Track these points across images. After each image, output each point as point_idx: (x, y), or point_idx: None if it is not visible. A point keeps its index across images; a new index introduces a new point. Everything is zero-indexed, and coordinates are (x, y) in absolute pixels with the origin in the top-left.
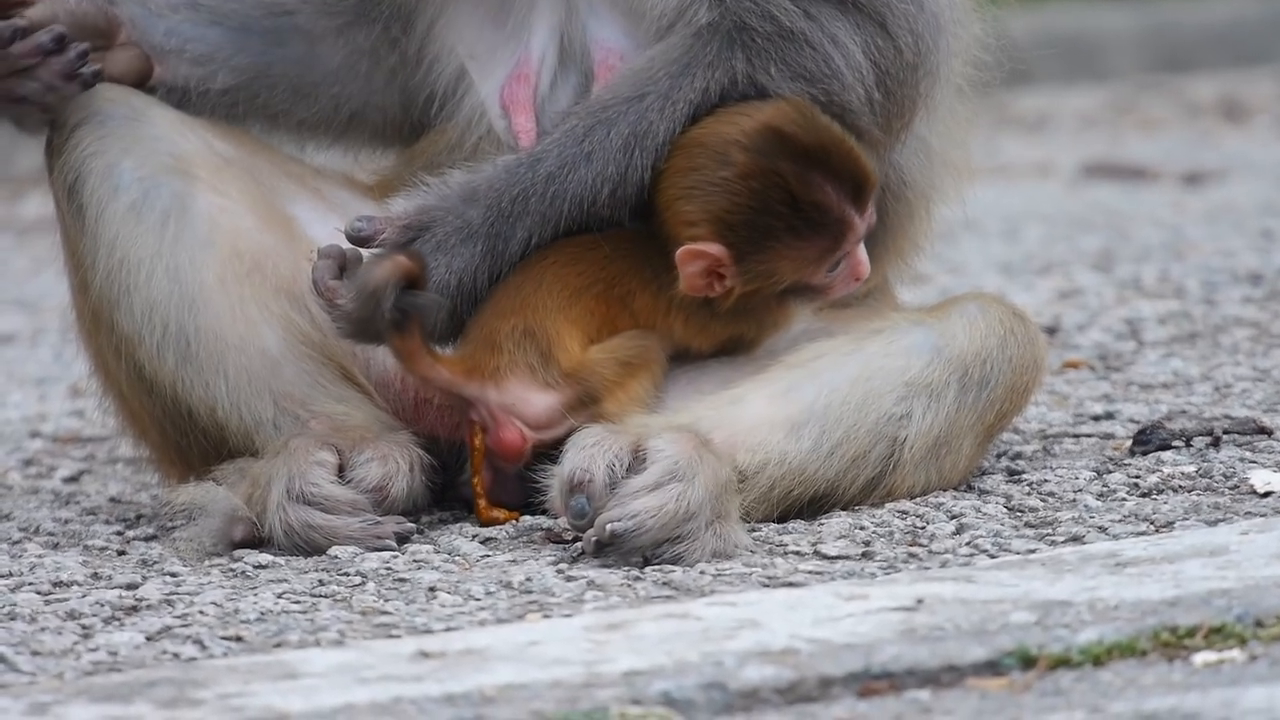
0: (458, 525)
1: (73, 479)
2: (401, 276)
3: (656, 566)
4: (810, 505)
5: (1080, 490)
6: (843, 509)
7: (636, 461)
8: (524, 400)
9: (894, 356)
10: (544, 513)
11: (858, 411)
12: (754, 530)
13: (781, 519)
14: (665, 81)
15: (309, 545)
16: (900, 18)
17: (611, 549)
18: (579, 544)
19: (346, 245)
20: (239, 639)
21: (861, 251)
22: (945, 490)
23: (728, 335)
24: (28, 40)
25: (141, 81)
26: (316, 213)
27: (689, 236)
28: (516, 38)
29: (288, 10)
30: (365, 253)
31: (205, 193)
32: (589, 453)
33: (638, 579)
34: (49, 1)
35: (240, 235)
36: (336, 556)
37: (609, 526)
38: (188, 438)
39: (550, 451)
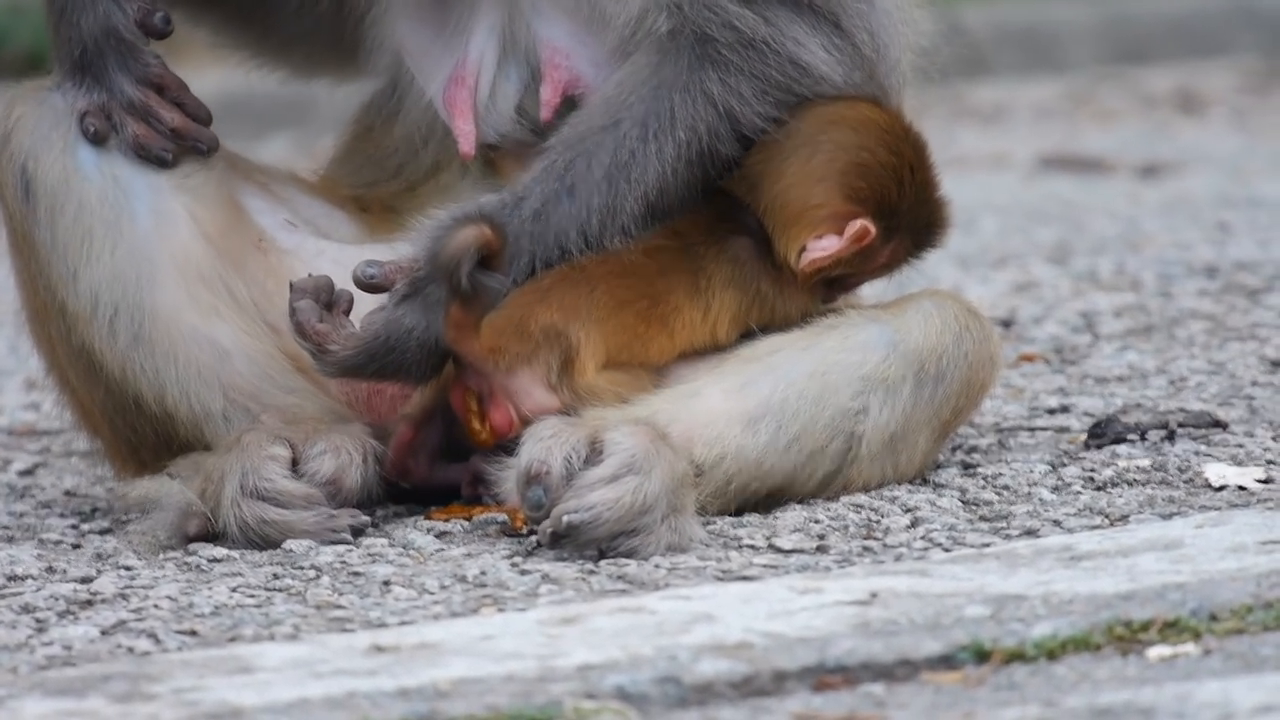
0: (412, 519)
1: (28, 472)
2: (482, 246)
3: (611, 560)
4: (767, 499)
5: (1035, 484)
6: (799, 503)
7: (594, 454)
8: (527, 393)
9: (850, 351)
10: (498, 504)
11: (814, 406)
12: (709, 524)
13: (738, 512)
14: (639, 106)
15: (264, 540)
16: (853, 16)
17: (567, 540)
18: (534, 538)
19: (313, 282)
20: (193, 633)
21: None
22: (900, 484)
23: (753, 327)
24: None
25: None
26: (264, 202)
27: (847, 212)
28: (457, 37)
29: None
30: (344, 291)
31: (160, 175)
32: (546, 444)
33: (592, 573)
34: None
35: (198, 216)
36: (291, 550)
37: (565, 518)
38: (136, 431)
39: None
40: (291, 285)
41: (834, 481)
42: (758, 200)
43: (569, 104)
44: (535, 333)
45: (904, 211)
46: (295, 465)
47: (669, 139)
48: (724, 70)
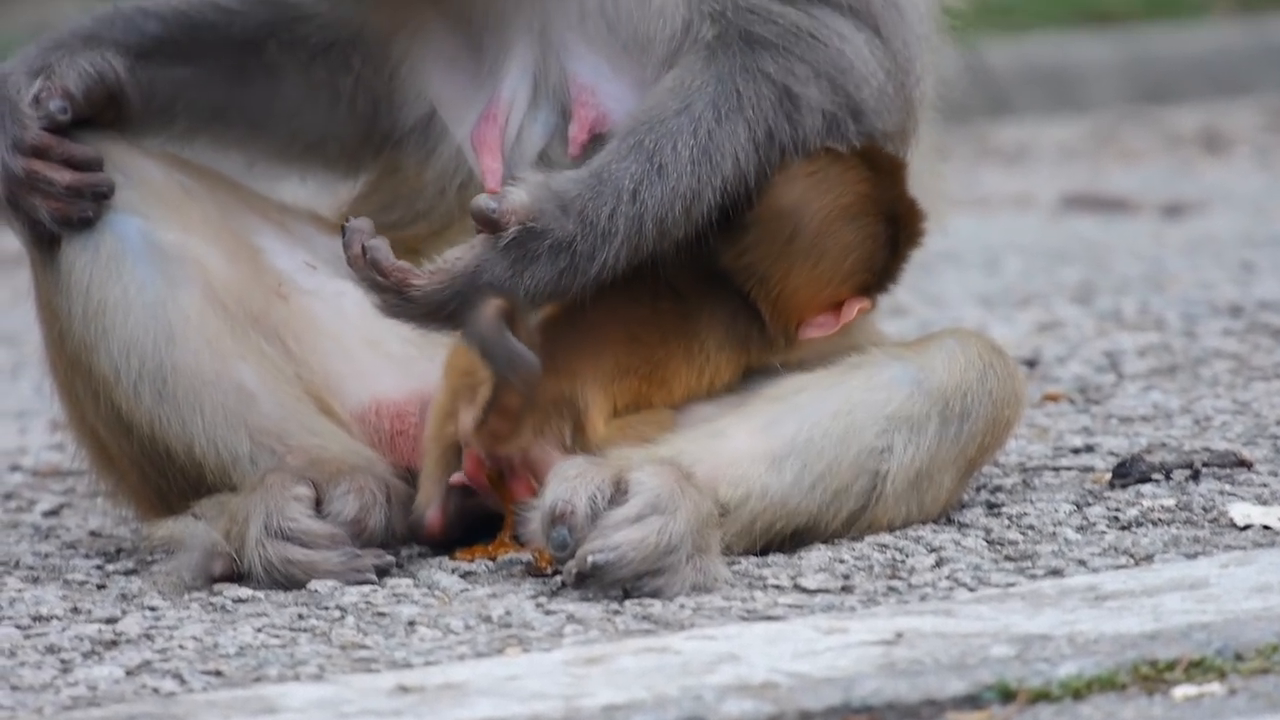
0: (437, 559)
1: (53, 513)
2: (505, 316)
3: (636, 600)
4: (792, 538)
5: (1060, 523)
6: (824, 543)
7: (618, 494)
8: (545, 461)
9: (875, 390)
10: (521, 546)
11: (839, 445)
12: (734, 563)
13: (763, 552)
14: (706, 90)
15: (288, 580)
16: (890, 24)
17: (592, 580)
18: (558, 578)
19: (368, 223)
20: (218, 673)
21: None
22: (925, 523)
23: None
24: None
25: (98, 113)
26: (282, 244)
27: (849, 298)
28: (491, 78)
29: (256, 47)
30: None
31: (173, 229)
32: (571, 484)
33: (617, 613)
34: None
35: (210, 270)
36: (316, 591)
37: (590, 558)
38: (166, 478)
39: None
40: (345, 228)
41: (859, 520)
42: (763, 295)
43: (596, 141)
44: (546, 403)
45: (894, 263)
46: (319, 505)
47: (740, 120)
48: (776, 52)
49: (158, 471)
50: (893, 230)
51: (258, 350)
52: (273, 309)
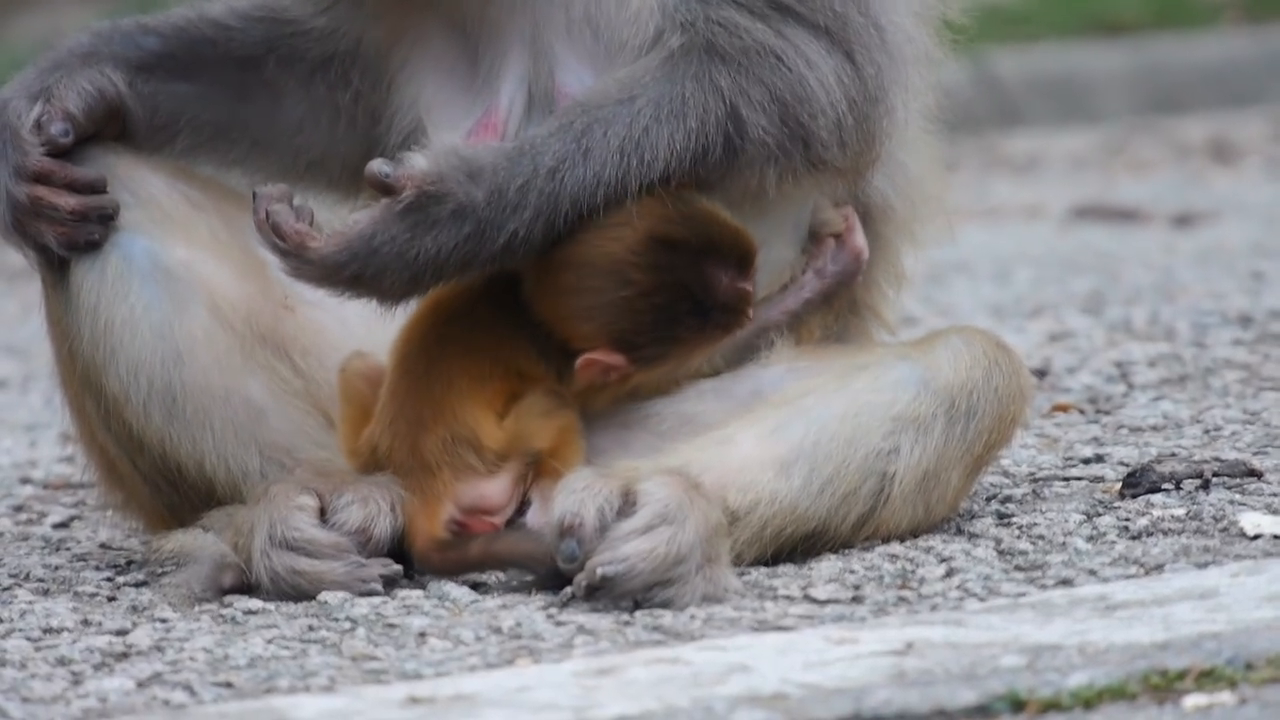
0: None
1: (63, 525)
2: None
3: (646, 611)
4: (803, 542)
5: (1070, 533)
6: (835, 548)
7: (627, 505)
8: (481, 497)
9: (881, 391)
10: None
11: (846, 448)
12: (744, 574)
13: (774, 558)
14: (653, 87)
15: (295, 591)
16: (864, 49)
17: (602, 592)
18: (568, 589)
19: (279, 189)
20: (229, 685)
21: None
22: (934, 523)
23: (615, 397)
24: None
25: (101, 129)
26: None
27: (587, 348)
28: (487, 87)
29: (255, 63)
30: (306, 204)
31: (179, 246)
32: (579, 496)
33: (627, 624)
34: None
35: (217, 287)
36: (326, 602)
37: (599, 570)
38: (178, 493)
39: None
40: (255, 193)
41: (868, 522)
42: (540, 319)
43: None
44: (436, 457)
45: (663, 325)
46: (324, 515)
47: (680, 125)
48: (734, 69)
49: (170, 487)
50: (682, 303)
51: (266, 366)
52: (280, 323)
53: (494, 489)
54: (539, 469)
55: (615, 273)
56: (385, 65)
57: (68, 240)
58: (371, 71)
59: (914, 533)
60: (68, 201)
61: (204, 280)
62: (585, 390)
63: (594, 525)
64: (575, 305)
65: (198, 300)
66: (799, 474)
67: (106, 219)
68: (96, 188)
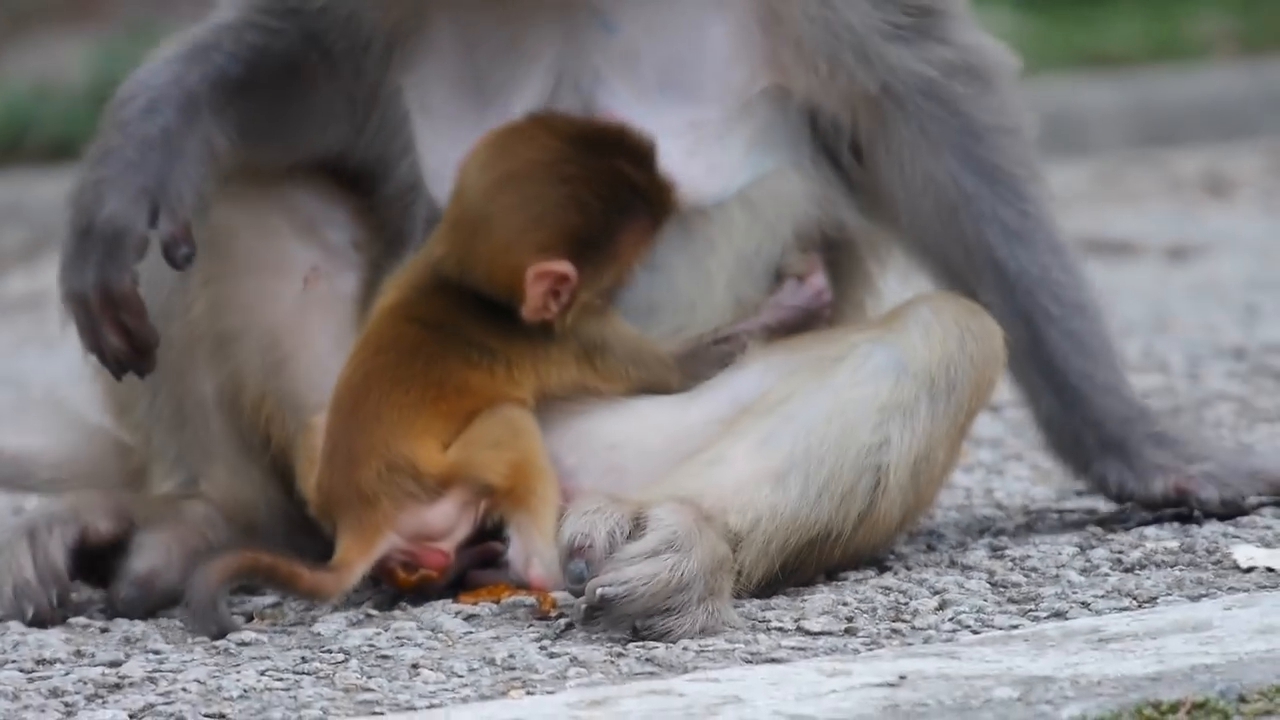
0: (440, 602)
1: None
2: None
3: (639, 643)
4: (808, 549)
5: (1063, 565)
6: (826, 584)
7: (637, 529)
8: (424, 524)
9: (862, 384)
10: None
11: (838, 449)
12: (738, 605)
13: (784, 568)
14: None
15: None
16: None
17: (601, 614)
18: (561, 620)
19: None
20: (222, 716)
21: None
22: (924, 505)
23: (572, 377)
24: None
25: None
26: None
27: (537, 260)
28: (494, 104)
29: (300, 63)
30: None
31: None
32: (590, 518)
33: (620, 655)
34: None
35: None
36: (319, 634)
37: (599, 590)
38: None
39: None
40: None
41: (868, 518)
42: (472, 282)
43: None
44: (373, 488)
45: (608, 217)
46: (124, 540)
47: None
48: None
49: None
50: (620, 188)
51: (228, 368)
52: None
53: (436, 514)
54: (505, 501)
55: (550, 174)
56: (390, 59)
57: (112, 363)
58: (381, 63)
59: (906, 517)
60: (122, 344)
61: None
62: (538, 323)
63: (604, 547)
64: (523, 219)
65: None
66: (795, 484)
67: (141, 371)
68: (149, 347)
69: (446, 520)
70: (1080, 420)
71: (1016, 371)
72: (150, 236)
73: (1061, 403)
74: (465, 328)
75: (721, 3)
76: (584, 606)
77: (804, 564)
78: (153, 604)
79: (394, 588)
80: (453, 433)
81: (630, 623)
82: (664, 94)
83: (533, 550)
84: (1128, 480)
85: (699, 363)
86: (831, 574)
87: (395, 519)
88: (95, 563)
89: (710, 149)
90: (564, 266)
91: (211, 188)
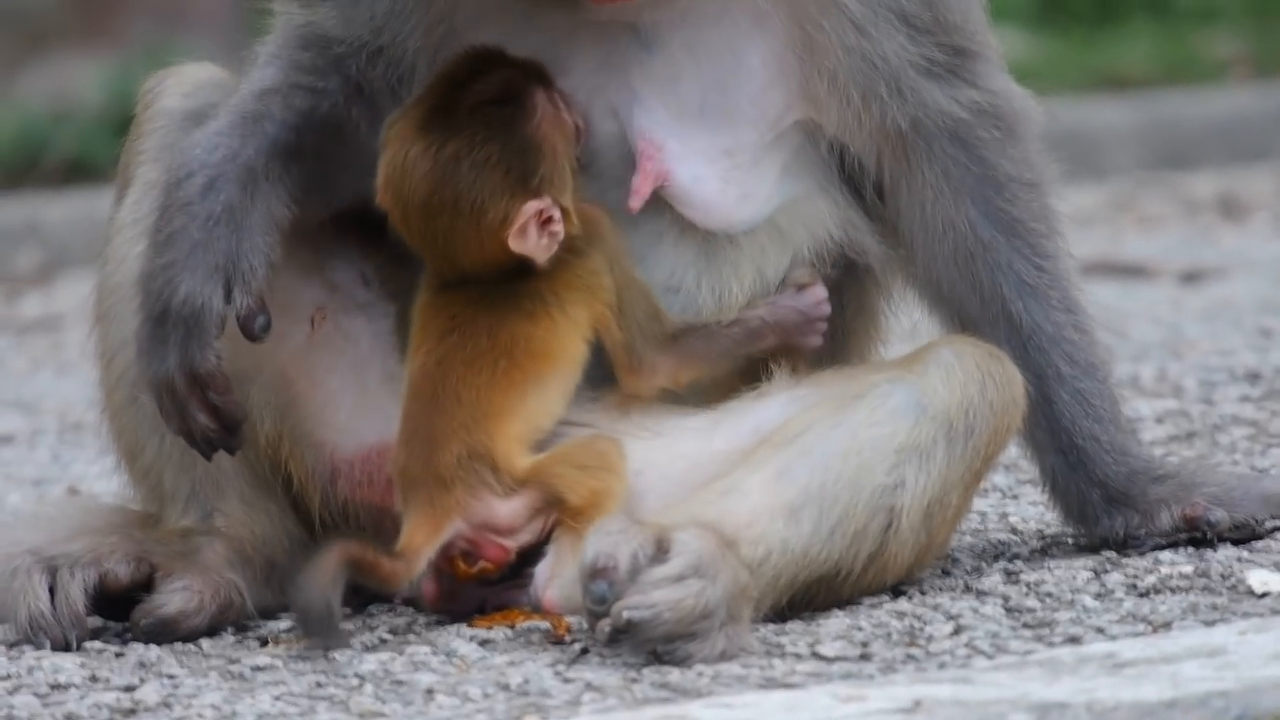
0: (454, 626)
1: None
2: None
3: (654, 668)
4: (816, 585)
5: (1078, 591)
6: (841, 609)
7: (660, 553)
8: (493, 515)
9: (880, 424)
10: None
11: (852, 488)
12: (753, 630)
13: (789, 604)
14: None
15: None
16: None
17: (626, 637)
18: (576, 645)
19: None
20: None
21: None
22: (936, 547)
23: (609, 301)
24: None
25: None
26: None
27: (514, 208)
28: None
29: (342, 116)
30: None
31: None
32: (614, 539)
33: (635, 680)
34: None
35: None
36: (334, 659)
37: (625, 613)
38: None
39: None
40: None
41: (878, 559)
42: (482, 278)
43: (655, 197)
44: (452, 473)
45: (546, 143)
46: (150, 584)
47: None
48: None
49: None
50: (497, 138)
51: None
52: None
53: (507, 509)
54: (569, 521)
55: (476, 137)
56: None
57: (188, 438)
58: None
59: (918, 560)
60: (209, 424)
61: None
62: (574, 300)
63: (627, 569)
64: (482, 191)
65: None
66: (808, 519)
67: (231, 449)
68: (237, 419)
69: (515, 517)
70: (1085, 479)
71: (1022, 427)
72: (227, 313)
73: (1068, 463)
74: (510, 284)
75: (760, 29)
76: (609, 629)
77: (811, 599)
78: (173, 640)
79: (450, 576)
80: (530, 403)
81: (653, 646)
82: (703, 117)
83: (558, 572)
84: (1135, 524)
85: (696, 338)
86: (846, 599)
87: (466, 505)
88: (113, 605)
89: (744, 177)
90: (540, 203)
91: (278, 256)
